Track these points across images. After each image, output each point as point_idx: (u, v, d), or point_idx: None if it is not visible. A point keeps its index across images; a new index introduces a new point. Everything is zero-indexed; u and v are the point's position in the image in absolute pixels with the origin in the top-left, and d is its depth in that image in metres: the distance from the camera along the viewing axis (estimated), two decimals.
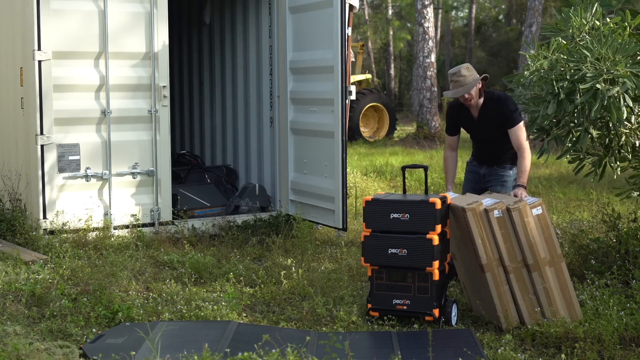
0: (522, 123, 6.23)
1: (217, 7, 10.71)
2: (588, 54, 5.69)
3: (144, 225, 8.00)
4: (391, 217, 5.57)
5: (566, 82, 5.78)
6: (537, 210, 5.45)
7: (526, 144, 6.18)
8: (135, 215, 7.97)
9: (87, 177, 7.80)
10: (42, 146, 7.57)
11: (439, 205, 5.47)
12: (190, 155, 10.74)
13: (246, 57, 9.85)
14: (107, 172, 7.86)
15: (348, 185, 10.35)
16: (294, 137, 8.69)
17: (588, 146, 6.35)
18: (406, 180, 6.72)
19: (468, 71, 6.24)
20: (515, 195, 5.89)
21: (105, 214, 7.86)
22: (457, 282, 6.39)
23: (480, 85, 6.28)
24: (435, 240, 5.45)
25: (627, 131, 6.31)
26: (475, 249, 5.40)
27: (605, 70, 5.62)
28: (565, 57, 5.87)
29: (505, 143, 6.35)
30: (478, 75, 6.29)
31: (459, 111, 6.50)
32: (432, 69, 22.20)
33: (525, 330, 5.33)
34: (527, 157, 6.13)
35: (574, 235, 7.07)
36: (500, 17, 44.88)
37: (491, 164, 6.50)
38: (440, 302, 5.58)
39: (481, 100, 6.34)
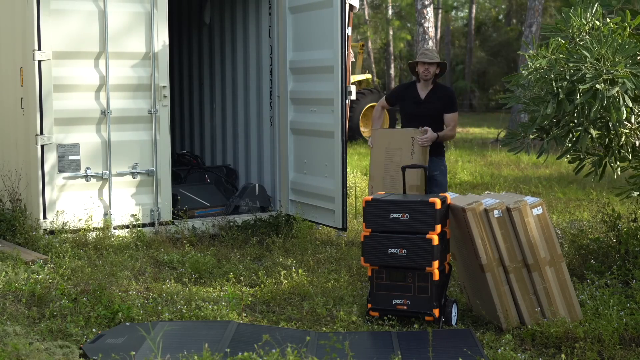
0: (456, 112, 7.29)
1: (217, 7, 10.71)
2: (588, 54, 5.69)
3: (144, 225, 8.00)
4: (391, 217, 5.57)
5: (565, 82, 5.78)
6: (537, 210, 5.45)
7: (455, 131, 7.34)
8: (135, 215, 7.97)
9: (87, 177, 7.80)
10: (42, 146, 7.57)
11: (438, 205, 5.47)
12: (190, 155, 10.74)
13: (246, 57, 9.86)
14: (107, 172, 7.87)
15: (348, 185, 10.34)
16: (294, 137, 8.69)
17: (588, 146, 6.35)
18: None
19: (437, 53, 7.39)
20: (426, 130, 6.91)
21: (105, 214, 7.86)
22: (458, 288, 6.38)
23: (437, 71, 7.22)
24: (435, 240, 5.46)
25: (627, 131, 6.31)
26: (475, 249, 5.40)
27: (604, 70, 5.62)
28: (564, 57, 5.88)
29: (437, 128, 7.11)
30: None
31: (407, 89, 7.41)
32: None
33: (525, 330, 5.33)
34: (451, 135, 7.31)
35: (574, 235, 7.07)
36: (500, 17, 44.88)
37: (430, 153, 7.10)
38: (440, 302, 5.58)
39: (432, 85, 7.24)
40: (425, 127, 6.97)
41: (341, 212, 7.95)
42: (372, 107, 21.64)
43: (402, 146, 6.94)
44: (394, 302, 5.61)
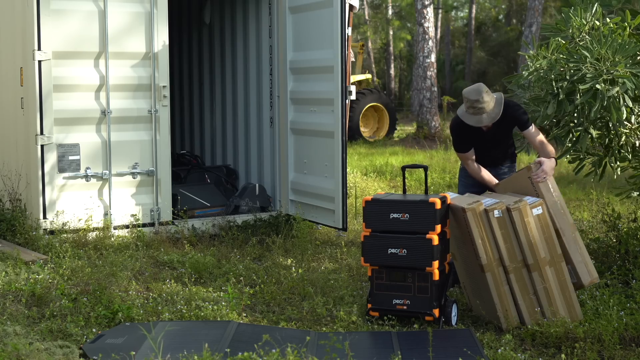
0: (532, 122, 6.06)
1: (217, 7, 10.71)
2: (588, 54, 5.69)
3: (144, 225, 8.00)
4: (391, 217, 5.57)
5: (566, 82, 5.78)
6: (537, 210, 5.45)
7: (546, 140, 6.04)
8: (135, 215, 7.97)
9: (87, 177, 7.80)
10: (42, 146, 7.57)
11: (438, 205, 5.47)
12: (190, 155, 10.74)
13: (246, 57, 9.86)
14: (107, 172, 7.87)
15: (348, 185, 10.35)
16: (294, 137, 8.69)
17: (588, 146, 6.36)
18: (406, 180, 6.73)
19: (488, 95, 5.90)
20: (540, 161, 5.68)
21: (105, 214, 7.87)
22: (459, 288, 6.37)
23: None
24: (435, 240, 5.46)
25: (627, 131, 6.31)
26: (475, 249, 5.40)
27: (605, 70, 5.63)
28: (564, 57, 5.88)
29: (508, 146, 6.28)
30: (498, 98, 5.98)
31: (467, 128, 6.13)
32: (432, 69, 22.19)
33: (525, 330, 5.33)
34: (545, 144, 5.97)
35: None
36: (500, 17, 44.87)
37: (494, 164, 6.34)
38: (440, 302, 5.58)
39: None
40: (538, 160, 5.75)
41: (341, 212, 7.95)
42: (372, 107, 21.67)
43: (526, 191, 5.77)
44: (394, 302, 5.61)
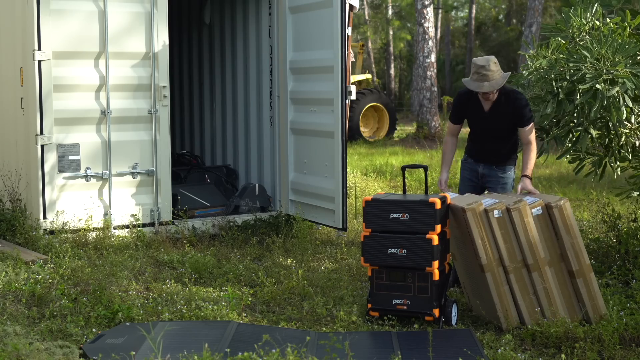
0: (532, 122, 6.13)
1: (217, 7, 10.71)
2: (588, 54, 5.70)
3: (144, 225, 8.00)
4: (391, 217, 5.57)
5: (565, 82, 5.78)
6: (537, 211, 5.45)
7: (534, 140, 6.15)
8: (135, 215, 7.97)
9: (87, 177, 7.80)
10: (42, 146, 7.57)
11: (438, 205, 5.47)
12: (190, 155, 10.74)
13: (246, 57, 9.86)
14: (107, 172, 7.86)
15: (348, 185, 10.35)
16: (294, 137, 8.69)
17: (588, 146, 6.36)
18: (406, 180, 6.73)
19: (496, 66, 5.99)
20: (524, 188, 5.88)
21: (105, 214, 7.86)
22: (459, 288, 6.37)
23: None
24: (435, 240, 5.45)
25: (627, 131, 6.31)
26: (475, 249, 5.40)
27: (604, 70, 5.63)
28: (564, 57, 5.88)
29: (508, 141, 6.30)
30: (504, 74, 6.07)
31: (467, 101, 6.29)
32: (432, 69, 22.19)
33: (525, 330, 5.33)
34: (535, 150, 6.11)
35: None
36: (500, 17, 44.87)
37: (490, 162, 6.37)
38: (440, 302, 5.58)
39: (496, 93, 6.14)
40: (525, 189, 5.91)
41: (341, 212, 7.95)
42: (372, 107, 21.67)
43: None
44: (394, 302, 5.61)
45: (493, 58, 6.02)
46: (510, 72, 6.12)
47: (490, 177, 6.38)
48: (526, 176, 5.99)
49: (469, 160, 6.50)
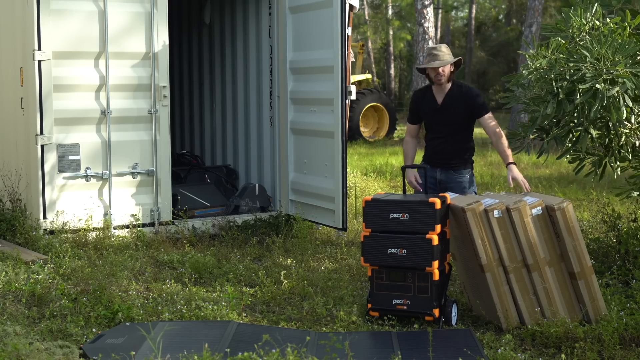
0: (489, 111, 6.36)
1: (217, 7, 10.71)
2: (588, 54, 5.69)
3: (144, 225, 8.00)
4: (391, 217, 5.57)
5: (565, 82, 5.78)
6: (537, 211, 5.45)
7: (500, 129, 6.32)
8: (135, 215, 7.97)
9: (87, 177, 7.80)
10: (42, 146, 7.57)
11: (438, 205, 5.47)
12: (190, 155, 10.74)
13: (246, 57, 9.86)
14: (107, 172, 7.87)
15: (348, 185, 10.35)
16: (294, 137, 8.69)
17: (588, 146, 6.36)
18: (406, 181, 6.72)
19: (447, 49, 6.37)
20: (514, 177, 6.02)
21: (105, 214, 7.86)
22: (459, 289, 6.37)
23: (452, 69, 6.39)
24: (435, 240, 5.45)
25: (627, 131, 6.31)
26: (475, 249, 5.40)
27: (604, 70, 5.62)
28: (564, 57, 5.88)
29: (464, 140, 6.43)
30: (455, 59, 6.38)
31: (422, 97, 6.55)
32: None
33: (525, 330, 5.33)
34: (504, 137, 6.30)
35: None
36: (500, 17, 44.88)
37: (447, 166, 6.45)
38: (440, 302, 5.58)
39: (448, 85, 6.40)
40: (513, 177, 6.06)
41: (341, 212, 7.95)
42: (372, 107, 21.67)
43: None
44: (394, 302, 5.61)
45: (445, 44, 6.42)
46: (460, 58, 6.39)
47: (448, 182, 6.46)
48: (512, 163, 6.14)
49: (427, 166, 6.53)
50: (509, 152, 6.24)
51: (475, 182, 6.61)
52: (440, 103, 6.43)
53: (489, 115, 6.35)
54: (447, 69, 6.35)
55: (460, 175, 6.48)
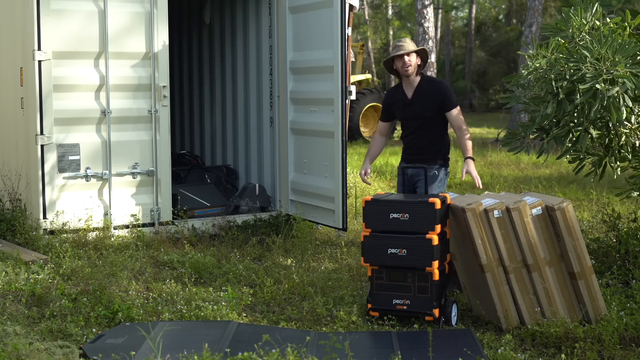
0: (458, 106, 6.45)
1: (217, 7, 10.71)
2: (588, 54, 5.69)
3: (144, 225, 8.00)
4: (391, 217, 5.57)
5: (565, 82, 5.78)
6: (537, 211, 5.45)
7: (465, 124, 6.45)
8: (135, 215, 7.97)
9: (87, 177, 7.80)
10: (42, 146, 7.57)
11: (438, 205, 5.47)
12: (190, 155, 10.73)
13: (246, 57, 9.86)
14: (107, 172, 7.87)
15: (348, 185, 10.34)
16: (294, 137, 8.69)
17: (588, 146, 6.36)
18: None
19: (411, 42, 6.50)
20: (468, 171, 6.18)
21: (105, 214, 7.86)
22: (458, 291, 6.36)
23: (419, 62, 6.46)
24: (435, 240, 5.46)
25: (627, 131, 6.31)
26: (475, 249, 5.40)
27: (604, 70, 5.62)
28: (564, 57, 5.87)
29: (434, 136, 6.47)
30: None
31: (393, 94, 6.65)
32: (432, 69, 22.18)
33: (525, 330, 5.33)
34: (469, 133, 6.42)
35: None
36: (500, 17, 44.87)
37: (418, 161, 6.44)
38: (440, 302, 5.58)
39: (417, 78, 6.48)
40: (466, 170, 6.25)
41: (341, 212, 7.95)
42: (372, 107, 21.66)
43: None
44: (394, 302, 5.61)
45: (409, 38, 6.66)
46: (423, 47, 6.54)
47: (415, 176, 6.45)
48: (469, 158, 6.26)
49: (402, 164, 6.61)
50: (469, 146, 6.34)
51: (446, 183, 6.55)
52: (410, 97, 6.50)
53: (457, 109, 6.42)
54: (414, 59, 6.42)
55: (429, 169, 6.40)
